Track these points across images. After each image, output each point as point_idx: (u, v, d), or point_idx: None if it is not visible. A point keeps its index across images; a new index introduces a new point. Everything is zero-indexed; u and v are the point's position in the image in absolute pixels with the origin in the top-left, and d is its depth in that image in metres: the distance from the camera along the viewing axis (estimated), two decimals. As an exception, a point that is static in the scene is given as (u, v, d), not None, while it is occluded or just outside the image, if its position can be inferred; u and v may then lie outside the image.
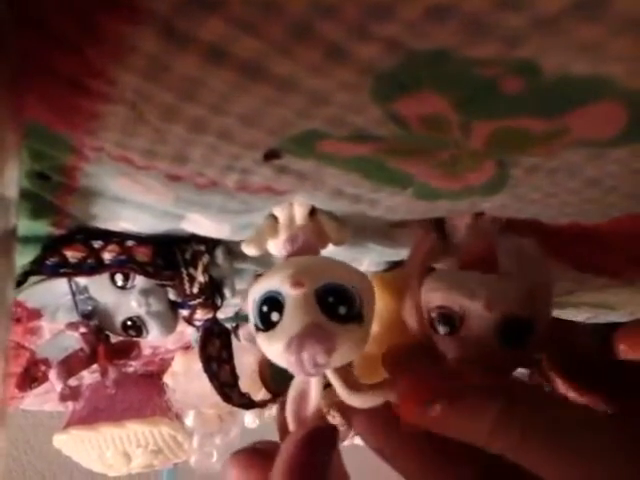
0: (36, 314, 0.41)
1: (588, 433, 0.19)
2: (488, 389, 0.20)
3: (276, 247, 0.29)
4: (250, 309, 0.24)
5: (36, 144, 0.24)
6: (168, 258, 0.36)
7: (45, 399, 0.63)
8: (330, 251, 0.32)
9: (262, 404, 0.40)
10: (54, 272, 0.33)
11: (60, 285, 0.37)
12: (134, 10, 0.16)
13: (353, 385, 0.23)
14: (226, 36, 0.17)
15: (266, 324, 0.23)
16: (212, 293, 0.38)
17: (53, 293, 0.39)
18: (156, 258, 0.35)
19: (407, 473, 0.23)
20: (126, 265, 0.34)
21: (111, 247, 0.34)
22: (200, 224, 0.31)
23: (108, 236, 0.34)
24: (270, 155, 0.23)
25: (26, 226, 0.31)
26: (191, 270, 0.36)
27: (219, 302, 0.39)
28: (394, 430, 0.22)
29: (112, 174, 0.26)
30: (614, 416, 0.22)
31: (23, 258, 0.33)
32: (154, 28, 0.17)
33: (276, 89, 0.19)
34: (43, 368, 0.40)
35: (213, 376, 0.38)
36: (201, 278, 0.36)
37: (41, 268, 0.33)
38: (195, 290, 0.36)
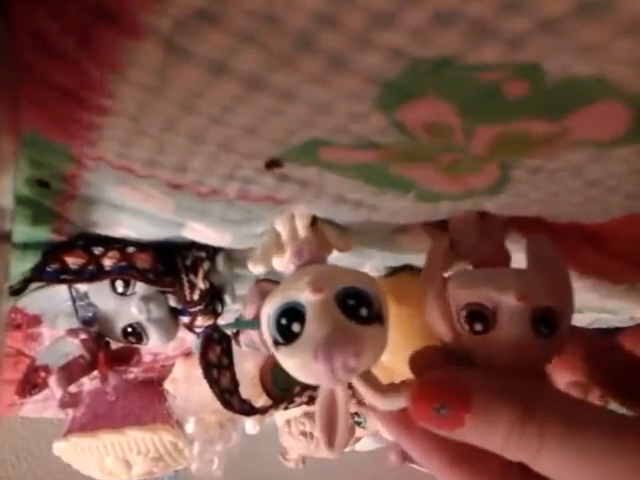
0: (36, 320, 0.41)
1: (611, 436, 0.18)
2: (502, 391, 0.20)
3: (282, 263, 0.29)
4: (265, 326, 0.24)
5: (34, 153, 0.24)
6: (169, 264, 0.35)
7: (45, 406, 0.63)
8: (333, 257, 0.32)
9: (263, 410, 0.40)
10: (54, 278, 0.33)
11: (60, 291, 0.37)
12: (134, 24, 0.16)
13: (379, 388, 0.23)
14: (227, 49, 0.17)
15: (287, 337, 0.23)
16: (212, 300, 0.37)
17: (53, 299, 0.38)
18: (157, 264, 0.35)
19: (437, 471, 0.22)
20: (126, 272, 0.34)
21: (112, 253, 0.33)
22: (201, 232, 0.31)
23: (109, 242, 0.34)
24: (271, 164, 0.23)
25: (26, 233, 0.31)
26: (191, 277, 0.36)
27: (220, 309, 0.38)
28: (413, 426, 0.21)
29: (112, 182, 0.26)
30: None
31: (23, 265, 0.33)
32: (155, 42, 0.17)
33: (278, 100, 0.19)
34: (43, 375, 0.39)
35: (213, 383, 0.38)
36: (202, 285, 0.36)
37: (41, 275, 0.33)
38: (196, 297, 0.36)
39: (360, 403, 0.53)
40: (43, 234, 0.32)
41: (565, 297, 0.25)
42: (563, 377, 0.48)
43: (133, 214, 0.29)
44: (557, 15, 0.15)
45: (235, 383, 0.39)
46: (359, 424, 0.57)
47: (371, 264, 0.35)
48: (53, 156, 0.25)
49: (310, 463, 0.67)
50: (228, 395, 0.38)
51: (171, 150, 0.22)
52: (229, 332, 0.40)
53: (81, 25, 0.17)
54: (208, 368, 0.38)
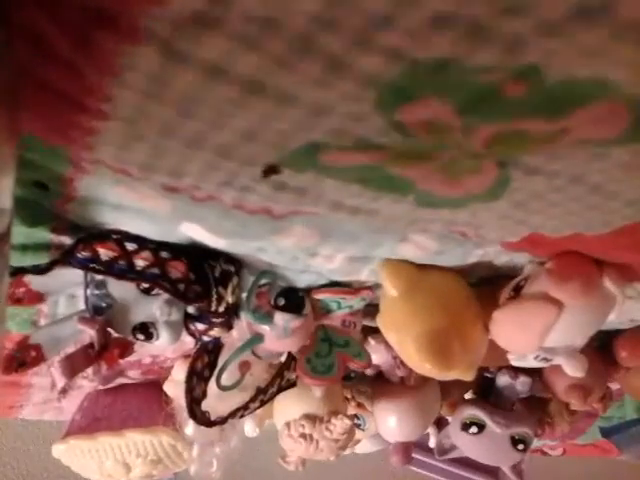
0: (38, 298, 0.40)
1: None
2: None
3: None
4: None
5: (32, 156, 0.24)
6: (198, 273, 0.34)
7: (44, 409, 0.62)
8: (332, 269, 0.33)
9: (221, 421, 0.41)
10: (83, 265, 0.32)
11: (70, 275, 0.35)
12: (133, 29, 0.16)
13: None
14: (226, 53, 0.17)
15: None
16: (233, 314, 0.37)
17: (60, 281, 0.37)
18: (188, 273, 0.34)
19: None
20: (158, 281, 0.33)
21: (145, 254, 0.32)
22: (198, 232, 0.31)
23: (143, 241, 0.33)
24: (269, 170, 0.23)
25: (24, 233, 0.31)
26: (221, 289, 0.35)
27: (234, 324, 0.38)
28: None
29: (110, 183, 0.26)
30: None
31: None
32: (153, 46, 0.17)
33: (277, 103, 0.19)
34: (34, 354, 0.38)
35: (189, 390, 0.39)
36: (229, 298, 0.35)
37: (71, 260, 0.32)
38: (221, 309, 0.36)
39: (359, 405, 0.53)
40: (42, 234, 0.32)
41: None
42: (563, 381, 0.48)
43: (131, 213, 0.29)
44: (557, 18, 0.15)
45: (204, 395, 0.40)
46: (358, 426, 0.57)
47: (369, 269, 0.35)
48: (51, 159, 0.24)
49: (310, 466, 0.67)
50: (195, 405, 0.39)
51: (168, 155, 0.22)
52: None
53: (81, 29, 0.17)
54: (191, 374, 0.39)
